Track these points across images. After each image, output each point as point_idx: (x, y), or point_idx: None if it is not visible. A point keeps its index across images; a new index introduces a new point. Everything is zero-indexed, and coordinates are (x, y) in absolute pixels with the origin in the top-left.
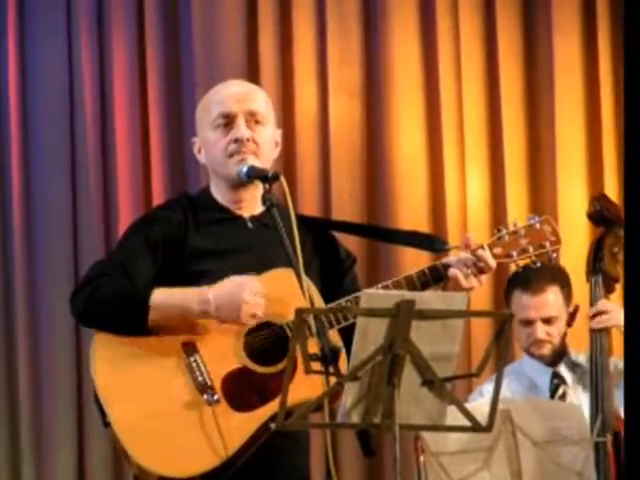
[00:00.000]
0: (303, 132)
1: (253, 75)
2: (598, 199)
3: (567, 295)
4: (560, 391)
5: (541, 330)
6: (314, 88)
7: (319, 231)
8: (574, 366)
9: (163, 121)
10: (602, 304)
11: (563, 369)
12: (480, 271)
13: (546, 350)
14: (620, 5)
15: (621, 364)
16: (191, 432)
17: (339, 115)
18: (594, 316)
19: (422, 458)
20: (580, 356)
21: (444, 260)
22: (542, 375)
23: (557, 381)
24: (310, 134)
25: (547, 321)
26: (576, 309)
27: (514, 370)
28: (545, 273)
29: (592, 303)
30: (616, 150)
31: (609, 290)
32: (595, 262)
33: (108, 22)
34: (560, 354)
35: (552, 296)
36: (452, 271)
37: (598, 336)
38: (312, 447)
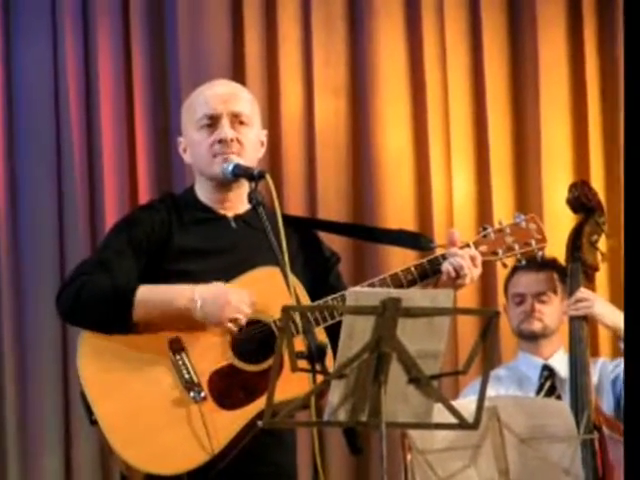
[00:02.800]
0: (288, 131)
1: (239, 74)
2: (577, 186)
3: (562, 284)
4: (548, 384)
5: (532, 305)
6: (299, 87)
7: (303, 230)
8: None
9: (149, 122)
10: (582, 292)
11: (557, 360)
12: (473, 266)
13: (537, 326)
14: (607, 1)
15: (610, 366)
16: (178, 429)
17: (324, 114)
18: (575, 303)
19: (409, 456)
20: None
21: (435, 256)
22: (533, 368)
23: (547, 373)
24: (295, 133)
25: (539, 298)
26: None
27: (509, 369)
28: (545, 261)
29: (570, 292)
30: (602, 147)
31: (588, 279)
32: (573, 250)
33: (93, 24)
34: (554, 345)
35: (546, 276)
36: (445, 266)
37: (576, 325)
38: (299, 445)
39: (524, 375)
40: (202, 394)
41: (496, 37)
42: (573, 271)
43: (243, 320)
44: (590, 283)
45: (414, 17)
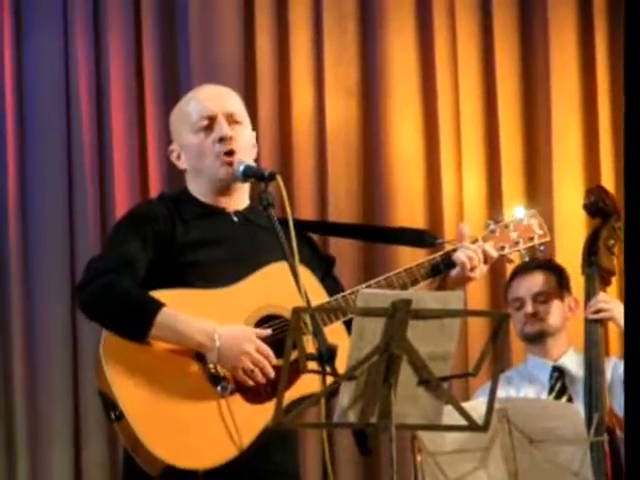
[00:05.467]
0: (300, 132)
1: (250, 75)
2: (594, 190)
3: (561, 283)
4: (559, 385)
5: (531, 306)
6: (311, 88)
7: (300, 233)
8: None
9: (160, 120)
10: (601, 296)
11: (567, 360)
12: (484, 261)
13: (539, 326)
14: (617, 3)
15: (622, 366)
16: (207, 424)
17: (336, 115)
18: (595, 307)
19: (419, 457)
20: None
21: (446, 251)
22: (543, 369)
23: (557, 375)
24: (307, 134)
25: (538, 299)
26: (575, 303)
27: (519, 372)
28: (538, 262)
29: (587, 296)
30: (613, 148)
31: (604, 283)
32: (590, 255)
33: (105, 22)
34: (562, 345)
35: (542, 277)
36: (459, 257)
37: (593, 328)
38: (309, 447)
39: (534, 377)
40: (229, 388)
41: (507, 39)
42: (590, 275)
43: (259, 375)
44: (607, 287)
45: (425, 18)
